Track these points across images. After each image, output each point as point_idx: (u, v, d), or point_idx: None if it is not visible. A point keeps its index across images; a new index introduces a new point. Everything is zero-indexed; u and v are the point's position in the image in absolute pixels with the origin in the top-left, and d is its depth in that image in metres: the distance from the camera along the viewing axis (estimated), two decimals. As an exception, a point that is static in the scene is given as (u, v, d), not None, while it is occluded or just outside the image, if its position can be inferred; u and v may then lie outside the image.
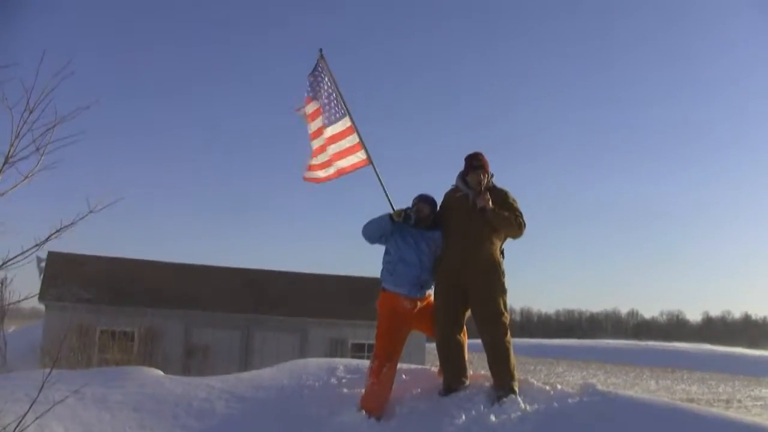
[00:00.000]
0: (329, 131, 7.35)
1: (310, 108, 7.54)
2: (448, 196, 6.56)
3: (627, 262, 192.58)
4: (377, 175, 6.89)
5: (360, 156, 7.16)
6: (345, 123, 7.21)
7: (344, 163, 7.33)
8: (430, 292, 6.51)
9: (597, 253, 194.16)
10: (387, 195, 6.64)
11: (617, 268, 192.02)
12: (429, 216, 6.42)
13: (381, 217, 6.36)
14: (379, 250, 6.56)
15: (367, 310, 23.60)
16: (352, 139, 7.20)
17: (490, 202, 6.10)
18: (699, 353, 70.28)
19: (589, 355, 69.43)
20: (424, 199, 6.46)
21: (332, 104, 7.31)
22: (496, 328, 6.16)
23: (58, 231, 3.93)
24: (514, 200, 6.35)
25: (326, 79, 7.33)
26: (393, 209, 6.52)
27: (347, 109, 7.20)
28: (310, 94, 7.50)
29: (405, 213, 6.32)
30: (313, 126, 7.52)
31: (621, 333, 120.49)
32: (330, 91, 7.30)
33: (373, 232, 6.38)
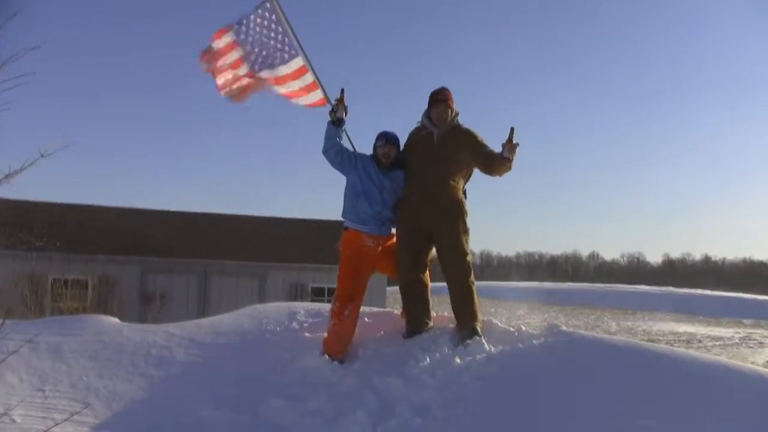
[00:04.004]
0: (269, 73, 6.98)
1: (221, 43, 7.04)
2: (413, 134, 6.55)
3: (587, 204, 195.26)
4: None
5: (317, 95, 7.01)
6: (297, 63, 6.97)
7: (299, 102, 7.15)
8: (394, 232, 6.53)
9: (557, 195, 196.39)
10: (348, 136, 6.58)
11: (577, 209, 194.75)
12: (395, 156, 6.43)
13: (327, 127, 6.44)
14: (340, 191, 6.53)
15: (326, 253, 23.73)
16: (306, 79, 6.99)
17: (515, 153, 6.06)
18: (660, 295, 71.49)
19: (550, 297, 70.29)
20: (389, 140, 6.45)
21: (276, 48, 7.00)
22: (460, 268, 6.22)
23: (6, 176, 3.80)
24: (482, 140, 6.34)
25: (269, 22, 6.99)
26: (350, 140, 6.55)
27: (302, 49, 7.00)
28: (238, 37, 7.00)
29: (333, 107, 6.48)
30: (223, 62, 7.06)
31: (582, 275, 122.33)
32: (274, 33, 7.01)
33: (327, 145, 6.40)
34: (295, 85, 7.01)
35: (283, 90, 7.07)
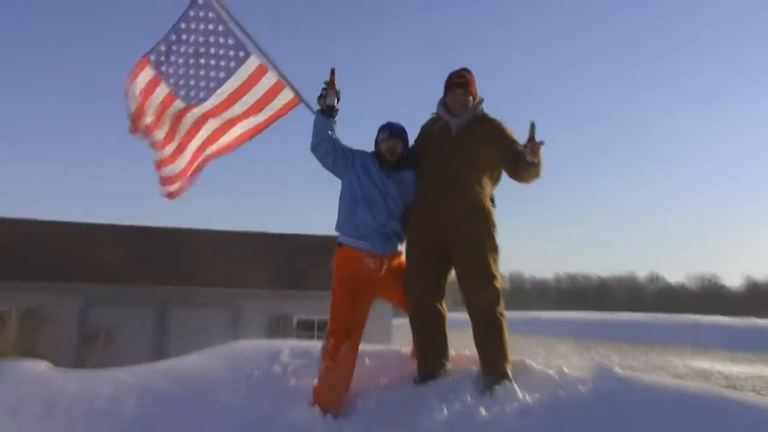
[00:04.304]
0: (218, 97, 6.97)
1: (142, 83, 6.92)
2: (426, 127, 6.57)
3: (643, 215, 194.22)
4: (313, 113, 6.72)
5: (285, 96, 6.98)
6: (251, 65, 6.97)
7: (262, 116, 7.13)
8: (402, 250, 6.50)
9: (606, 203, 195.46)
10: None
11: (632, 221, 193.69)
12: (401, 153, 6.43)
13: (315, 118, 6.45)
14: (335, 199, 6.51)
15: (316, 276, 23.45)
16: (268, 80, 7.00)
17: (540, 155, 5.96)
18: (741, 328, 70.89)
19: (599, 331, 69.79)
20: (393, 132, 6.44)
21: (219, 56, 6.96)
22: (486, 294, 6.15)
23: None
24: (512, 134, 6.30)
25: (206, 23, 6.94)
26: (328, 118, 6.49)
27: (256, 45, 6.97)
28: (158, 68, 6.92)
29: (322, 93, 6.42)
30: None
31: (639, 303, 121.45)
32: (214, 38, 6.95)
33: (316, 139, 6.40)
34: (256, 93, 6.98)
35: (238, 108, 7.04)
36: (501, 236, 6.27)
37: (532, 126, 5.93)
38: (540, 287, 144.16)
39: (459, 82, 6.35)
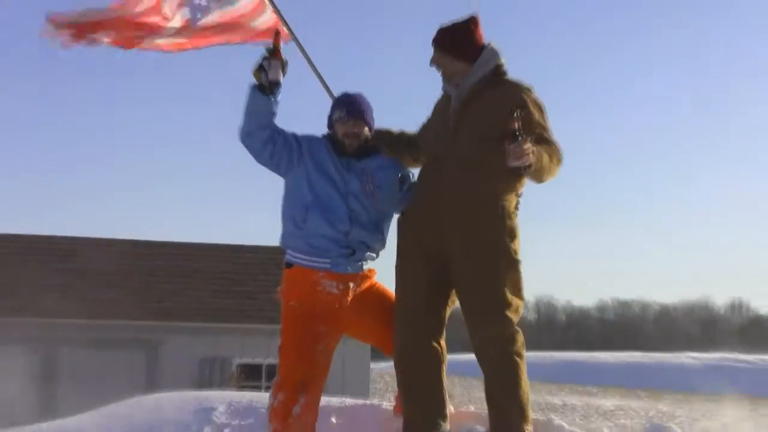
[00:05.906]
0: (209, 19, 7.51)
1: None
2: (435, 105, 6.55)
3: (721, 224, 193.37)
4: (306, 57, 7.19)
5: (266, 19, 7.47)
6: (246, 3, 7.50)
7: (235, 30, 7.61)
8: (372, 269, 6.53)
9: (672, 202, 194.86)
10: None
11: (702, 229, 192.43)
12: (367, 137, 6.44)
13: (248, 95, 6.31)
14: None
15: (263, 305, 22.87)
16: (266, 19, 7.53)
17: (529, 156, 5.56)
18: None
19: (659, 379, 69.11)
20: (352, 112, 6.38)
21: None
22: (498, 330, 5.98)
23: None
24: (542, 110, 6.14)
25: None
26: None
27: None
28: None
29: (262, 62, 6.31)
30: None
31: (715, 340, 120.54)
32: None
33: (249, 125, 6.29)
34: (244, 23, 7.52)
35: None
36: (527, 249, 6.19)
37: (513, 115, 5.56)
38: (578, 318, 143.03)
39: (433, 40, 6.23)
